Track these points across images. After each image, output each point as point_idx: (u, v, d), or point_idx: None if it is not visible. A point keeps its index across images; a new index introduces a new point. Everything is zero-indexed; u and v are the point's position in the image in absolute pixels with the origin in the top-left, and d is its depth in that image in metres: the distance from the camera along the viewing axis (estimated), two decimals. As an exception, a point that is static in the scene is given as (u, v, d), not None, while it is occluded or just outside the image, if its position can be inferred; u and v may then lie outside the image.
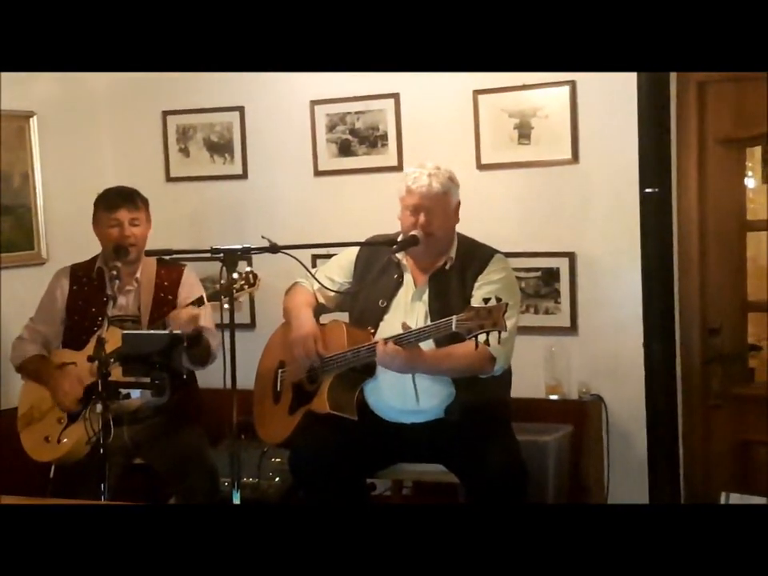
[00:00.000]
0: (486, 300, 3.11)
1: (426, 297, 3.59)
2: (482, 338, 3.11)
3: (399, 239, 3.60)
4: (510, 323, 3.36)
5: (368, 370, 3.58)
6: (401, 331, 3.38)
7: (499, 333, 3.12)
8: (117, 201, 3.92)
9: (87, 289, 3.99)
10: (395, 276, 3.66)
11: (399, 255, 3.64)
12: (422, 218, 3.53)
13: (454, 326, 3.17)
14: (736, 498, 3.72)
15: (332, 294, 3.76)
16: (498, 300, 3.10)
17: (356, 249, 3.77)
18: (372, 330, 3.59)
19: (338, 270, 3.80)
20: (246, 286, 3.57)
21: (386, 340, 3.37)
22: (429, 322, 3.45)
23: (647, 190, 3.87)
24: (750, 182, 4.56)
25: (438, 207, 3.53)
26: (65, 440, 3.73)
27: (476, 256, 3.61)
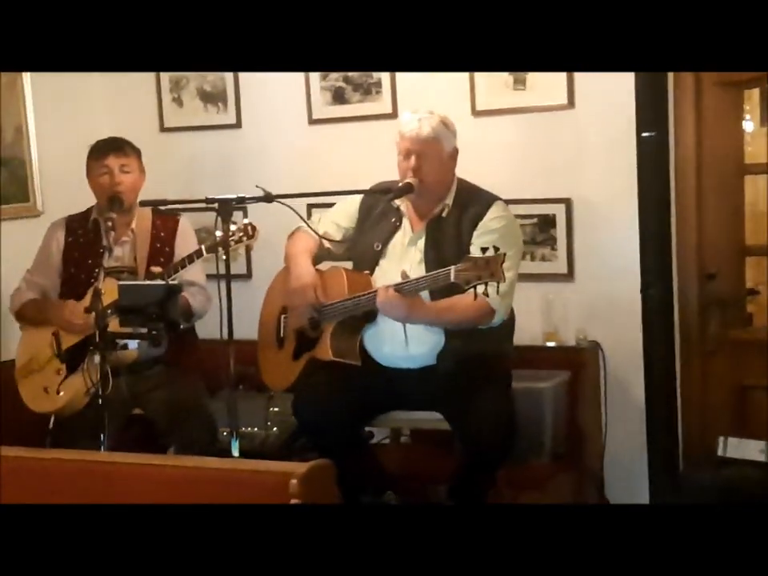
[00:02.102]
0: (484, 250, 3.09)
1: (421, 243, 3.58)
2: (480, 288, 3.10)
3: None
4: (509, 274, 3.35)
5: (368, 316, 3.57)
6: (396, 276, 3.37)
7: (497, 283, 3.11)
8: (106, 148, 3.92)
9: (83, 240, 3.99)
10: (393, 220, 3.65)
11: (398, 201, 3.62)
12: (412, 161, 3.51)
13: (452, 277, 3.16)
14: (734, 443, 3.75)
15: (337, 240, 3.74)
16: (496, 250, 3.08)
17: (360, 195, 3.74)
18: (370, 274, 3.59)
19: (343, 216, 3.78)
20: (245, 238, 3.57)
21: (387, 287, 3.36)
22: (423, 269, 3.44)
23: (644, 134, 3.84)
24: (748, 125, 4.53)
25: (428, 151, 3.51)
26: (63, 391, 3.75)
27: (475, 203, 3.58)
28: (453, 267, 3.16)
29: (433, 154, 3.52)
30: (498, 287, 3.13)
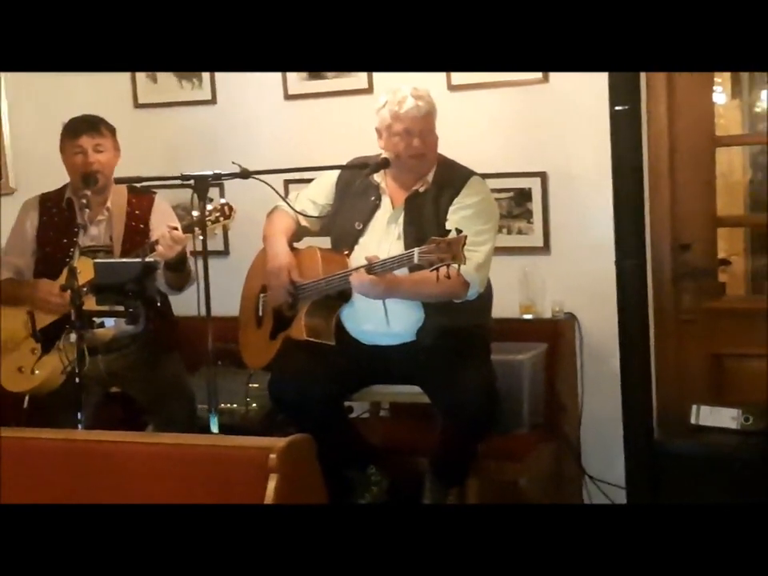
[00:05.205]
0: (448, 232, 3.11)
1: (401, 220, 3.58)
2: (443, 270, 3.12)
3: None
4: (485, 248, 3.42)
5: (344, 296, 3.58)
6: (377, 254, 3.37)
7: (458, 266, 3.13)
8: (80, 127, 3.87)
9: (57, 219, 3.95)
10: (372, 198, 3.65)
11: (378, 177, 3.63)
12: (416, 141, 3.51)
13: (416, 259, 3.18)
14: (706, 411, 3.79)
15: (314, 218, 3.75)
16: (459, 232, 3.10)
17: (336, 171, 3.74)
18: (347, 253, 3.60)
19: (319, 193, 3.78)
20: (222, 218, 3.55)
21: (357, 269, 3.37)
22: (402, 246, 3.45)
23: (617, 108, 3.85)
24: (720, 98, 4.56)
25: (428, 127, 3.53)
26: (39, 370, 3.72)
27: (452, 179, 3.59)
28: (416, 249, 3.17)
29: (431, 129, 3.54)
30: (458, 268, 3.15)
